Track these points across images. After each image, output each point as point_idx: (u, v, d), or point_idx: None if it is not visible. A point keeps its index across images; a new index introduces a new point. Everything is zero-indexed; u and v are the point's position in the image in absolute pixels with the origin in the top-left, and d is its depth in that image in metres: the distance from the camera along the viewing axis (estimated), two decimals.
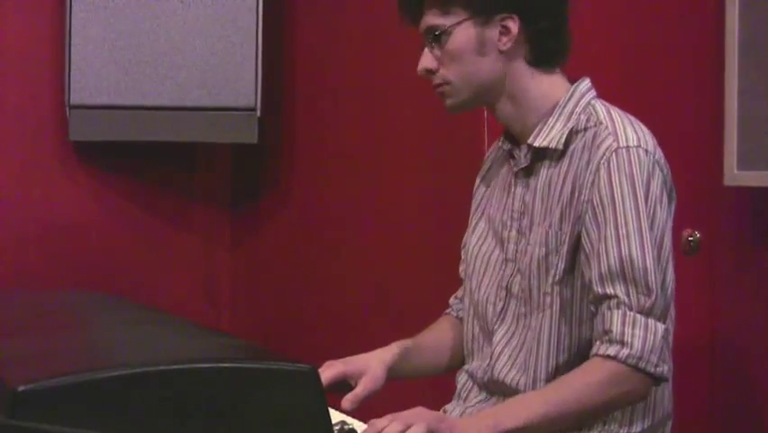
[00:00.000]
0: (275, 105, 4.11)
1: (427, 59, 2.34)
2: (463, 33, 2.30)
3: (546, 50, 2.33)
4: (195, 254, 4.28)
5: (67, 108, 3.92)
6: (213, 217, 4.30)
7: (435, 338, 2.55)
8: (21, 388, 1.67)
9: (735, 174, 2.89)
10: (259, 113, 3.95)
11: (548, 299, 2.28)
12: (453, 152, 3.36)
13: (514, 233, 2.36)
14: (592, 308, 2.23)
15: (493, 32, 2.30)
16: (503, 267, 2.38)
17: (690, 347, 3.11)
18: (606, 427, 2.29)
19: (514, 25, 2.30)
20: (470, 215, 2.52)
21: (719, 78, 2.92)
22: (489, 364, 2.37)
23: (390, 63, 3.75)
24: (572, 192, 2.26)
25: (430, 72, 2.34)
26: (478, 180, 2.53)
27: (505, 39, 2.30)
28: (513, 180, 2.39)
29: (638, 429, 2.32)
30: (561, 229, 2.27)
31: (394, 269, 3.72)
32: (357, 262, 3.88)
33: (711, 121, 2.99)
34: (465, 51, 2.31)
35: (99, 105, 3.90)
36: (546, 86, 2.35)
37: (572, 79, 2.37)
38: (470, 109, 2.42)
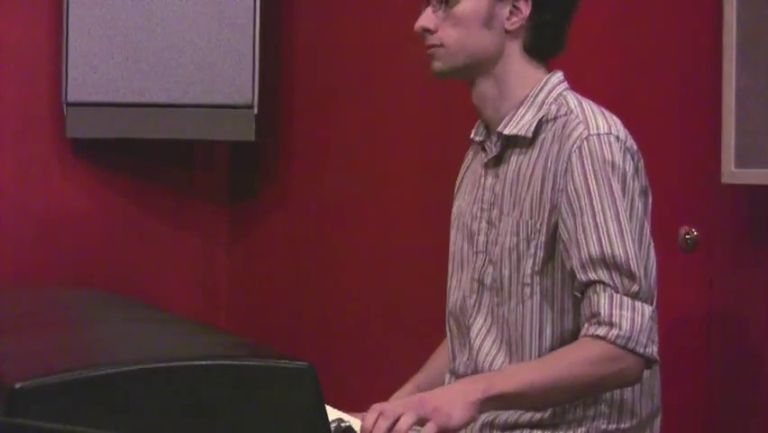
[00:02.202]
0: (272, 103, 4.11)
1: (427, 18, 2.34)
2: (475, 1, 2.31)
3: (545, 42, 2.35)
4: (192, 252, 4.27)
5: (64, 105, 3.91)
6: (210, 215, 4.30)
7: (442, 363, 2.53)
8: (19, 385, 1.67)
9: (732, 172, 2.90)
10: (256, 110, 3.94)
11: (527, 290, 2.27)
12: (452, 150, 3.36)
13: (484, 224, 2.36)
14: (578, 294, 2.22)
15: (504, 9, 2.31)
16: (474, 259, 2.37)
17: (688, 344, 3.11)
18: (594, 423, 2.28)
19: (526, 7, 2.31)
20: (451, 214, 2.51)
21: (717, 76, 2.92)
22: (470, 358, 2.36)
23: (388, 60, 3.75)
24: (543, 181, 2.26)
25: (427, 31, 2.34)
26: (458, 181, 2.53)
27: (515, 19, 2.31)
28: (483, 172, 2.39)
29: (626, 426, 2.30)
30: (531, 218, 2.26)
31: (392, 267, 3.71)
32: (355, 259, 3.88)
33: (709, 119, 2.99)
34: (471, 19, 2.31)
35: (96, 102, 3.89)
36: (530, 77, 2.35)
37: None
38: (454, 77, 2.40)
